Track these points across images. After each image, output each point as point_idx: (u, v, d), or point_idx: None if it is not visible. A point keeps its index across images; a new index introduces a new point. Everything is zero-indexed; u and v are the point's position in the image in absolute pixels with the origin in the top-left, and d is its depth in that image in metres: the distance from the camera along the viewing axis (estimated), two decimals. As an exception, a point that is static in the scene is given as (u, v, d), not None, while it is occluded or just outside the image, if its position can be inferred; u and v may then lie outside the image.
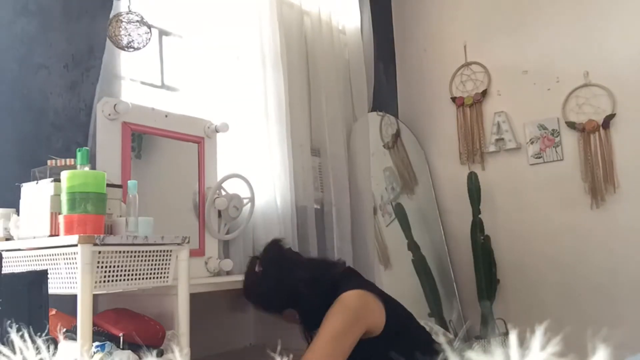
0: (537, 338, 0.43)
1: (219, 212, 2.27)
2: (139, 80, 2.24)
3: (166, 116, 2.13)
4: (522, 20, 3.33)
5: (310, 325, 1.74)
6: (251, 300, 1.91)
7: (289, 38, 2.80)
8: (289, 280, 1.76)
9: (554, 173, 3.18)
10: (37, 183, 1.52)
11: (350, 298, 1.65)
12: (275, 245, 1.88)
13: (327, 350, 1.55)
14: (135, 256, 1.45)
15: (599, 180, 3.02)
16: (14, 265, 1.50)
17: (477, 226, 3.17)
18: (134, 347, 1.39)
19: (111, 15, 1.99)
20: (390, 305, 1.72)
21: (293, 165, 2.64)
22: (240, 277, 2.22)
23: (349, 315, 1.61)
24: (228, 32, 2.51)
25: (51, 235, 1.44)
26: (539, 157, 3.22)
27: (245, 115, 2.51)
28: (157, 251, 1.51)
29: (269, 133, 2.58)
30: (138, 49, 1.96)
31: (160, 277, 1.52)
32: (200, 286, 1.79)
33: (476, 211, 3.18)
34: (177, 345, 1.49)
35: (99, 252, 1.35)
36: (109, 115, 1.92)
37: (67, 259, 1.36)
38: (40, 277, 1.18)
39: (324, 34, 3.06)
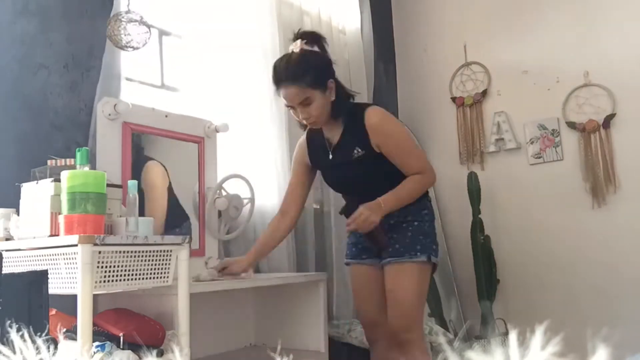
0: (537, 338, 0.43)
1: (219, 212, 2.27)
2: (139, 81, 2.24)
3: (166, 116, 2.13)
4: (522, 20, 3.33)
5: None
6: (302, 67, 1.86)
7: (289, 38, 2.79)
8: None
9: (554, 173, 3.18)
10: (37, 183, 1.52)
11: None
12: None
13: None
14: (135, 256, 1.45)
15: (600, 180, 3.02)
16: (14, 265, 1.50)
17: (477, 226, 3.17)
18: (134, 347, 1.39)
19: (111, 15, 1.99)
20: None
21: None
22: (241, 278, 2.23)
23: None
24: (228, 32, 2.51)
25: (51, 235, 1.44)
26: (539, 157, 3.22)
27: (245, 115, 2.51)
28: (157, 251, 1.51)
29: (269, 133, 2.58)
30: (137, 48, 1.96)
31: (160, 277, 1.52)
32: (200, 286, 1.79)
33: (476, 211, 3.18)
34: (177, 345, 1.49)
35: (99, 252, 1.35)
36: (109, 115, 1.92)
37: (67, 259, 1.36)
38: (40, 277, 1.18)
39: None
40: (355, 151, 1.92)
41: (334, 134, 1.97)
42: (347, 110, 1.93)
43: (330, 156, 1.98)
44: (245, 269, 2.01)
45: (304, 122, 1.90)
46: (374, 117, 1.90)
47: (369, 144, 1.90)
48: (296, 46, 1.88)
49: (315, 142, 2.04)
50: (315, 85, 1.83)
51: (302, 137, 2.09)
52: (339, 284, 2.80)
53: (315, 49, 1.93)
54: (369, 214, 1.84)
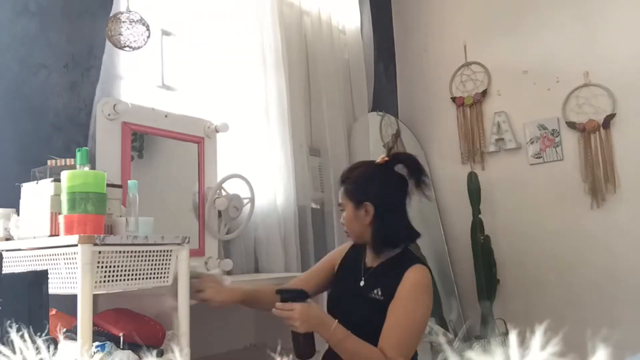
0: (537, 338, 0.43)
1: (219, 212, 2.27)
2: (139, 81, 2.24)
3: (166, 116, 2.13)
4: (522, 20, 3.33)
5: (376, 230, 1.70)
6: (352, 174, 1.77)
7: (289, 38, 2.80)
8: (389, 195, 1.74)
9: (554, 173, 3.18)
10: (37, 183, 1.52)
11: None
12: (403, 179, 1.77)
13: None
14: (135, 256, 1.45)
15: (599, 180, 3.02)
16: (14, 265, 1.50)
17: (477, 226, 3.17)
18: (134, 347, 1.39)
19: (110, 15, 1.99)
20: None
21: (294, 166, 2.64)
22: (241, 278, 2.23)
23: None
24: (228, 32, 2.51)
25: (51, 235, 1.44)
26: (539, 157, 3.22)
27: (245, 115, 2.51)
28: (157, 251, 1.51)
29: (269, 133, 2.58)
30: (137, 48, 1.96)
31: (160, 277, 1.52)
32: (200, 286, 1.79)
33: (476, 211, 3.18)
34: (177, 345, 1.48)
35: (99, 252, 1.35)
36: (109, 115, 1.92)
37: (67, 259, 1.36)
38: (40, 277, 1.18)
39: (324, 34, 3.06)
40: (375, 291, 1.67)
41: (372, 262, 1.76)
42: (394, 250, 1.73)
43: (362, 282, 1.73)
44: (219, 303, 1.72)
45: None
46: (417, 273, 1.65)
47: (392, 293, 1.63)
48: (379, 158, 1.77)
49: (351, 258, 1.84)
50: (349, 195, 1.72)
51: (347, 244, 1.90)
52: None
53: (401, 169, 1.76)
54: (298, 320, 1.55)
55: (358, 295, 1.72)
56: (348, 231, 1.77)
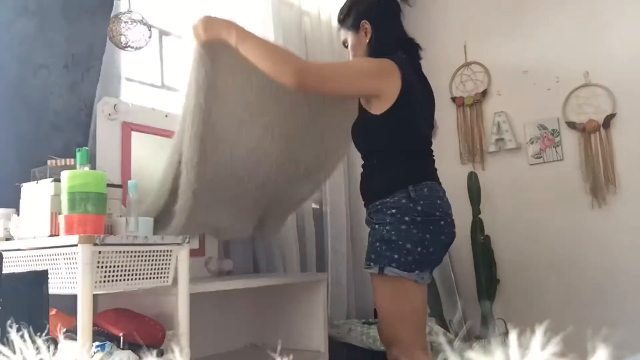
0: (537, 338, 0.43)
1: (219, 212, 2.27)
2: (139, 81, 2.24)
3: (166, 116, 2.13)
4: (522, 20, 3.33)
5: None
6: (343, 11, 2.04)
7: (289, 38, 2.79)
8: None
9: (554, 173, 3.17)
10: (37, 183, 1.52)
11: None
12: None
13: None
14: (135, 256, 1.45)
15: (600, 181, 3.02)
16: (14, 265, 1.50)
17: (477, 226, 3.17)
18: (134, 347, 1.39)
19: (111, 15, 1.99)
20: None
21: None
22: (241, 277, 2.23)
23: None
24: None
25: (51, 235, 1.44)
26: (539, 157, 3.22)
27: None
28: (157, 251, 1.51)
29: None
30: (138, 48, 1.96)
31: (160, 277, 1.52)
32: (200, 286, 1.79)
33: (476, 211, 3.18)
34: (177, 345, 1.49)
35: (99, 252, 1.36)
36: (109, 115, 1.92)
37: (67, 259, 1.36)
38: (40, 277, 1.18)
39: (324, 34, 3.05)
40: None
41: None
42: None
43: None
44: None
45: None
46: None
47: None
48: None
49: None
50: (348, 26, 1.97)
51: None
52: (333, 283, 2.78)
53: None
54: (198, 24, 1.64)
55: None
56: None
